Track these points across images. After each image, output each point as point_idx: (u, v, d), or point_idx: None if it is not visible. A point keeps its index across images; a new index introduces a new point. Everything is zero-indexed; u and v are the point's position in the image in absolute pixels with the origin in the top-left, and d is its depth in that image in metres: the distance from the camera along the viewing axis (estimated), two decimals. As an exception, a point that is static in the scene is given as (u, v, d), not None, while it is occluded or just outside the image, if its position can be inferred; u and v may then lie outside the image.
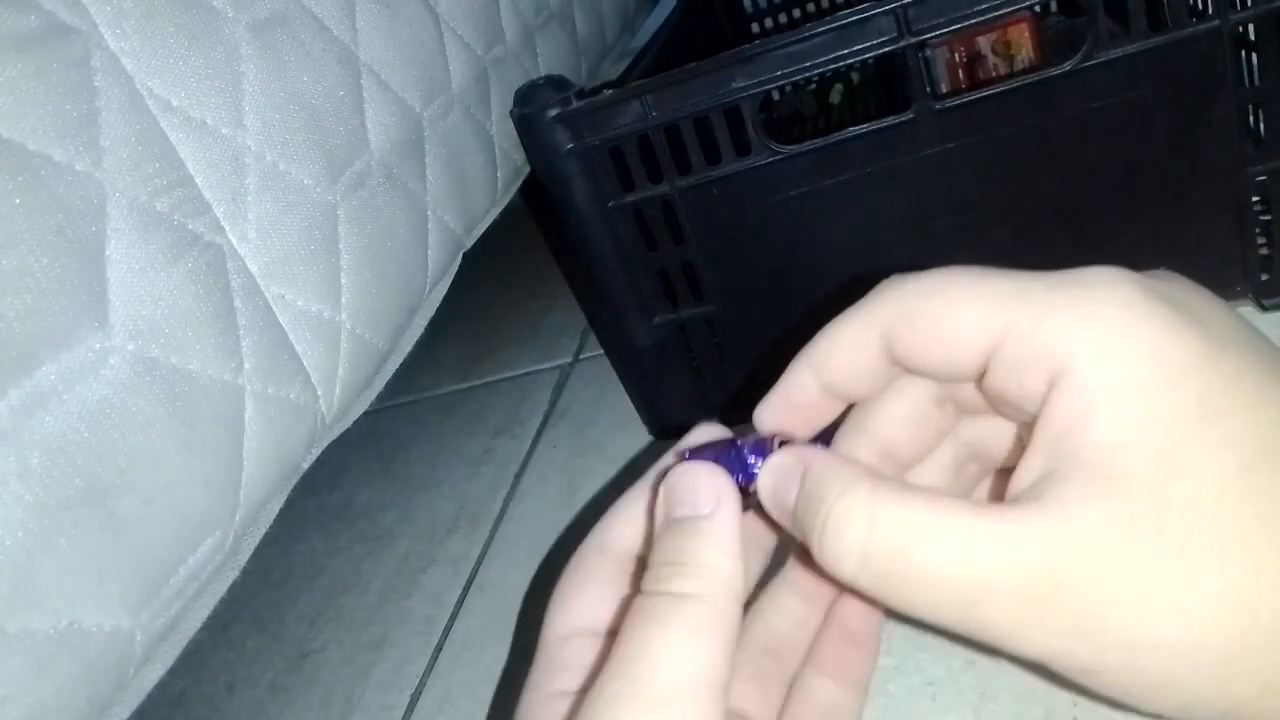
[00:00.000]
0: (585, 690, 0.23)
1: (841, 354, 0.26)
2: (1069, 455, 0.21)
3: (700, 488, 0.25)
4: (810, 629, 0.29)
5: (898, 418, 0.27)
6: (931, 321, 0.24)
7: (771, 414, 0.27)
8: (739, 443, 0.27)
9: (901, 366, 0.26)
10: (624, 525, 0.27)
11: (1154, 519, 0.20)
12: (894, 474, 0.28)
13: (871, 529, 0.22)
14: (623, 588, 0.26)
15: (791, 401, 0.27)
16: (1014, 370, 0.22)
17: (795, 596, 0.29)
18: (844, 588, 0.26)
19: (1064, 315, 0.22)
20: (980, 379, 0.24)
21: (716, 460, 0.26)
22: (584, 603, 0.26)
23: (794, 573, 0.29)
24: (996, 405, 0.25)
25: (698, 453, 0.27)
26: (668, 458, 0.28)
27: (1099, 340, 0.21)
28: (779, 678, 0.28)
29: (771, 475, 0.25)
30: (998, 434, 0.27)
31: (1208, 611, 0.19)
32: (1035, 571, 0.20)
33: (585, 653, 0.25)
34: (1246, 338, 0.22)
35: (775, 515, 0.25)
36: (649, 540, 0.27)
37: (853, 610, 0.28)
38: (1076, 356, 0.21)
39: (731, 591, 0.23)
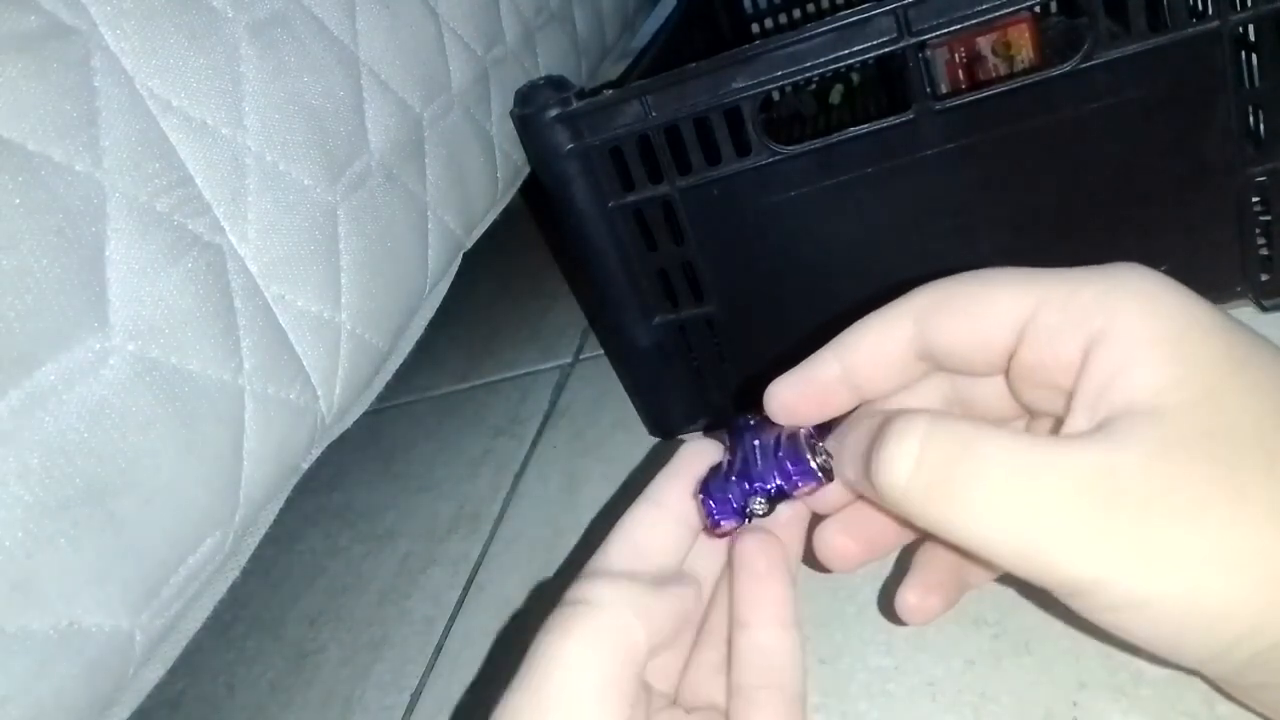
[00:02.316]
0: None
1: (871, 341, 0.27)
2: (1115, 402, 0.21)
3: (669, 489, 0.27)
4: (707, 569, 0.29)
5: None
6: (967, 300, 0.25)
7: (787, 392, 0.28)
8: (749, 483, 0.27)
9: (931, 360, 0.26)
10: (625, 543, 0.27)
11: (1205, 443, 0.20)
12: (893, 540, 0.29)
13: (932, 431, 0.22)
14: None
15: (810, 382, 0.27)
16: (1049, 339, 0.23)
17: (687, 538, 0.29)
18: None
19: (1097, 286, 0.23)
20: (1010, 362, 0.25)
21: (723, 492, 0.27)
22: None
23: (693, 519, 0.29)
24: (1024, 386, 0.25)
25: (705, 487, 0.28)
26: (675, 475, 0.29)
27: (1132, 303, 0.22)
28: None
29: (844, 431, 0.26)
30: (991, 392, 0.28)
31: (1259, 530, 0.20)
32: (1095, 484, 0.20)
33: None
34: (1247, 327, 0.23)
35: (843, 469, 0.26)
36: (648, 556, 0.27)
37: (749, 547, 0.28)
38: (1114, 316, 0.22)
39: (633, 601, 0.24)
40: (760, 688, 0.27)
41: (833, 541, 0.28)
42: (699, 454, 0.29)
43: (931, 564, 0.28)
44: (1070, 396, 0.23)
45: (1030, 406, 0.26)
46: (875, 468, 0.23)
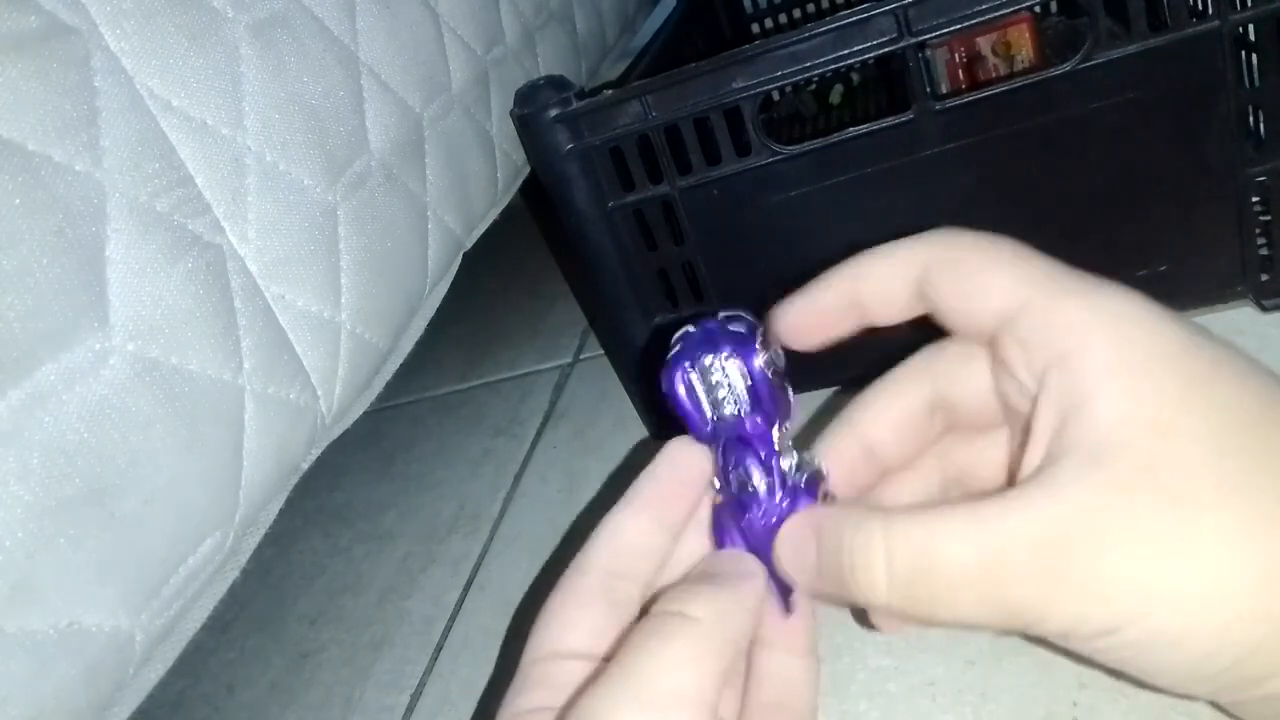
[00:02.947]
0: (567, 705, 0.24)
1: (880, 269, 0.28)
2: (1067, 439, 0.22)
3: (745, 563, 0.27)
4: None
5: (889, 420, 0.29)
6: (971, 270, 0.26)
7: (794, 314, 0.29)
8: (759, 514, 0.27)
9: (925, 304, 0.27)
10: (606, 546, 0.28)
11: (1150, 477, 0.21)
12: (875, 476, 0.30)
13: (890, 545, 0.23)
14: (602, 610, 0.26)
15: (816, 303, 0.28)
16: (1022, 342, 0.24)
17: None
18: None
19: (1077, 303, 0.24)
20: (990, 341, 0.26)
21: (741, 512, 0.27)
22: (559, 625, 0.26)
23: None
24: (998, 370, 0.26)
25: (722, 511, 0.28)
26: (656, 478, 0.29)
27: (1103, 328, 0.23)
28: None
29: (788, 544, 0.27)
30: (988, 458, 0.29)
31: (1209, 554, 0.20)
32: (1048, 540, 0.21)
33: (557, 673, 0.25)
34: (1224, 341, 0.24)
35: (800, 579, 0.27)
36: (629, 559, 0.27)
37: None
38: (1084, 338, 0.23)
39: (734, 629, 0.25)
40: (777, 706, 0.28)
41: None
42: (680, 454, 0.29)
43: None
44: (1029, 417, 0.24)
45: (1004, 396, 0.27)
46: (852, 590, 0.24)
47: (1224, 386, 0.22)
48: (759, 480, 0.27)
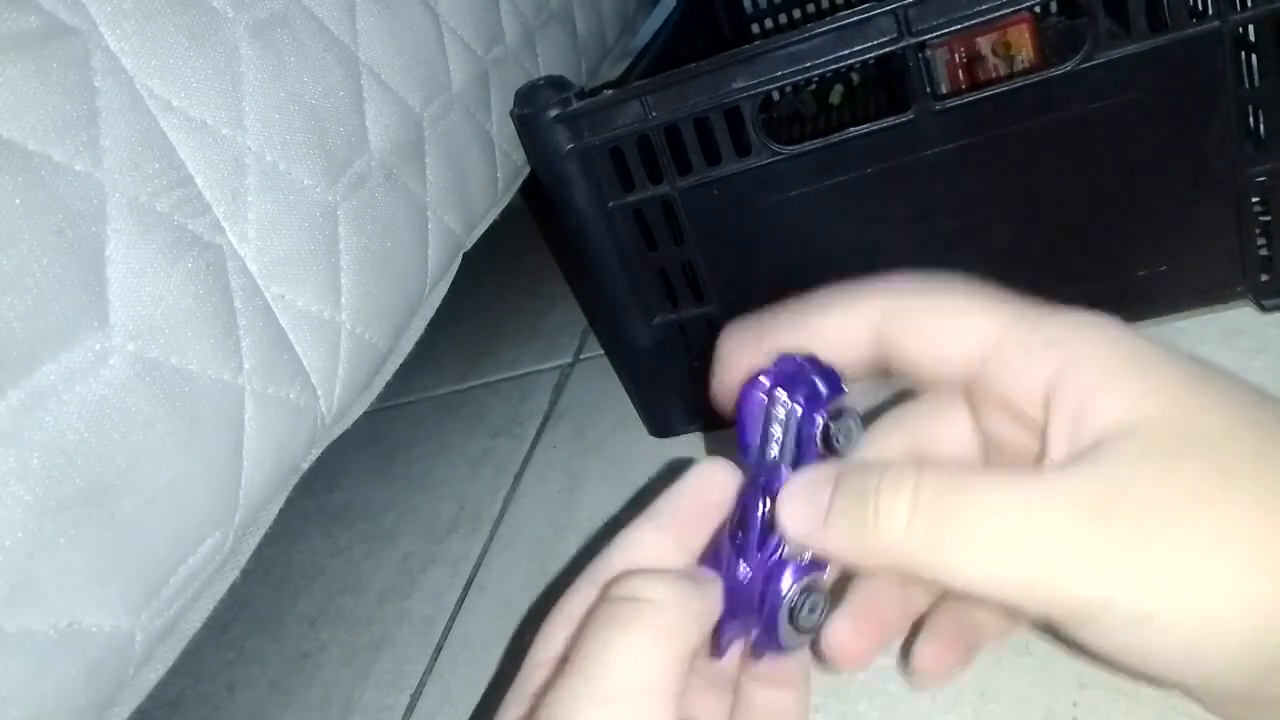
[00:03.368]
0: (531, 707, 0.23)
1: (834, 321, 0.27)
2: (1090, 428, 0.22)
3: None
4: None
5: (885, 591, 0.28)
6: (935, 314, 0.25)
7: (734, 356, 0.28)
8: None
9: (884, 362, 0.26)
10: (622, 559, 0.27)
11: (1184, 448, 0.21)
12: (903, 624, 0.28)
13: (921, 480, 0.22)
14: None
15: (757, 350, 0.27)
16: (1013, 372, 0.24)
17: None
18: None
19: (1056, 324, 0.23)
20: (971, 388, 0.25)
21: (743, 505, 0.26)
22: (562, 634, 0.26)
23: None
24: (987, 413, 0.26)
25: (721, 535, 0.27)
26: (683, 496, 0.28)
27: (1090, 339, 0.23)
28: (721, 682, 0.28)
29: (797, 495, 0.25)
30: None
31: (1257, 520, 0.20)
32: (1089, 503, 0.20)
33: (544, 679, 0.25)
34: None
35: (801, 528, 0.25)
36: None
37: None
38: (1075, 350, 0.23)
39: (692, 608, 0.24)
40: None
41: (837, 640, 0.27)
42: (712, 477, 0.28)
43: (942, 622, 0.28)
44: (1043, 431, 0.23)
45: (993, 436, 0.26)
46: (871, 523, 0.23)
47: (1221, 377, 0.22)
48: (754, 537, 0.26)
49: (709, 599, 0.25)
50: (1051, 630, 0.23)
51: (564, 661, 0.23)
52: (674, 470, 0.29)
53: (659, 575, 0.24)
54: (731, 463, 0.28)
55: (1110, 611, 0.20)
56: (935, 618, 0.29)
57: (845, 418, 0.26)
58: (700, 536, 0.28)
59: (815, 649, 0.27)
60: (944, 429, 0.27)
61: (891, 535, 0.23)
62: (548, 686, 0.23)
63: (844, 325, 0.27)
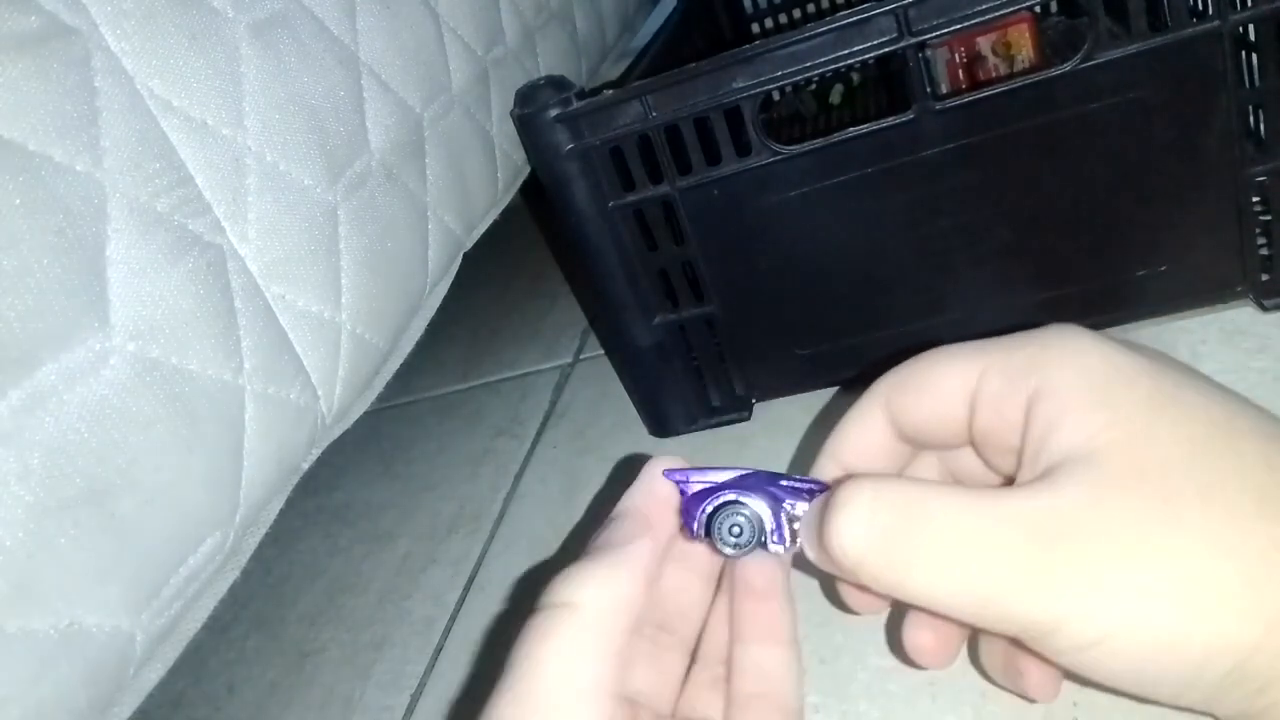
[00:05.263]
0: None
1: (855, 436, 0.29)
2: (1053, 452, 0.23)
3: (630, 528, 0.27)
4: (694, 594, 0.30)
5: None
6: (920, 381, 0.27)
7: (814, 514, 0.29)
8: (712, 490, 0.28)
9: (905, 436, 0.28)
10: None
11: (1138, 479, 0.21)
12: None
13: (879, 495, 0.23)
14: None
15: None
16: (994, 405, 0.25)
17: (674, 565, 0.29)
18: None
19: (1029, 349, 0.25)
20: (970, 432, 0.26)
21: (687, 502, 0.28)
22: None
23: (676, 548, 0.30)
24: (987, 451, 0.27)
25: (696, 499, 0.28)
26: (647, 492, 0.29)
27: (1060, 360, 0.24)
28: (673, 648, 0.29)
29: (807, 518, 0.27)
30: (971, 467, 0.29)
31: (1200, 550, 0.20)
32: (1038, 528, 0.21)
33: None
34: (1182, 364, 0.24)
35: (811, 550, 0.26)
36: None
37: (749, 566, 0.29)
38: (1046, 373, 0.23)
39: (617, 605, 0.24)
40: (755, 696, 0.27)
41: (915, 639, 0.28)
42: (655, 484, 0.29)
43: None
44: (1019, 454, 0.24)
45: (999, 471, 0.27)
46: (828, 536, 0.24)
47: (1190, 396, 0.23)
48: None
49: (633, 579, 0.25)
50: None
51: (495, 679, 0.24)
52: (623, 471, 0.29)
53: (580, 575, 0.25)
54: (673, 458, 0.29)
55: (1060, 633, 0.21)
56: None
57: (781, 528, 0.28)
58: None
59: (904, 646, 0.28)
60: (968, 460, 0.28)
61: (845, 551, 0.23)
62: (487, 702, 0.23)
63: (864, 431, 0.29)
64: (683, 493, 0.28)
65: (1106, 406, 0.22)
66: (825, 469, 0.29)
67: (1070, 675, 0.31)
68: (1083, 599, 0.21)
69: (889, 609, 0.30)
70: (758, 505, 0.27)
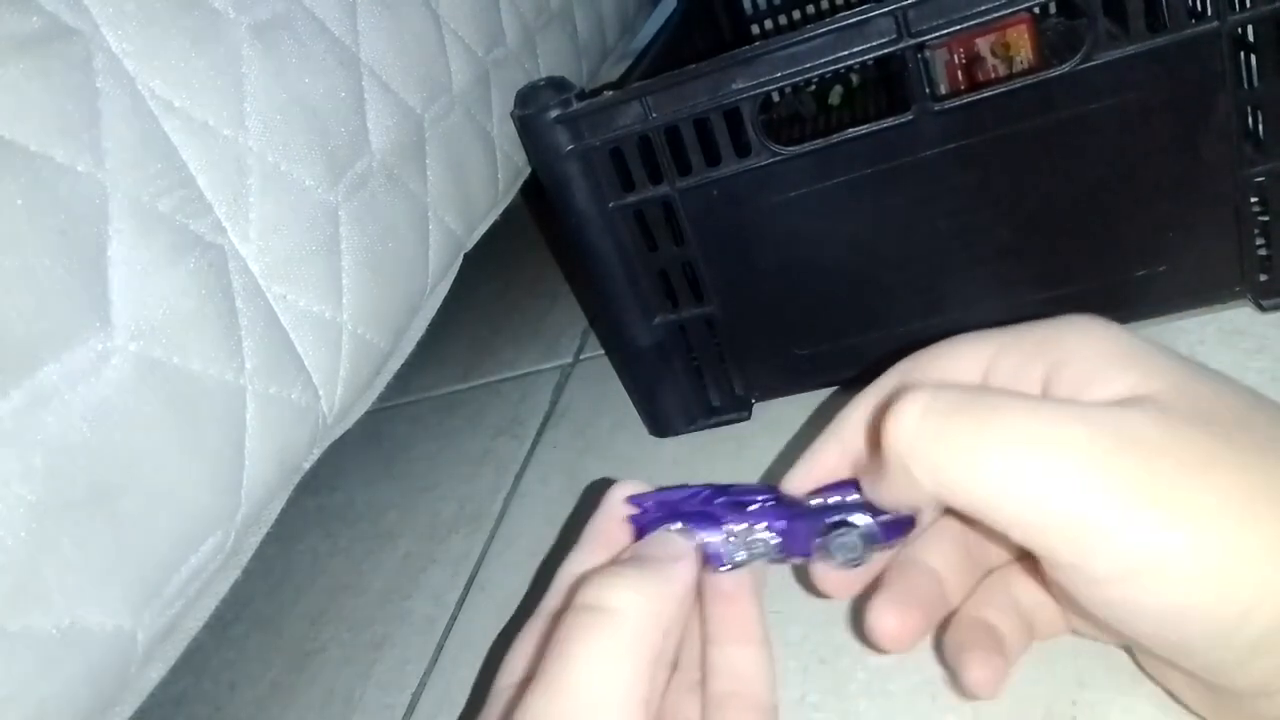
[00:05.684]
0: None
1: (861, 414, 0.28)
2: (1095, 398, 0.23)
3: (674, 546, 0.27)
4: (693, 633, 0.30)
5: (942, 552, 0.29)
6: (936, 359, 0.27)
7: (797, 479, 0.30)
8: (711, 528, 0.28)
9: None
10: (570, 584, 0.28)
11: (1197, 417, 0.21)
12: (940, 614, 0.29)
13: (938, 389, 0.23)
14: None
15: (816, 464, 0.29)
16: (1010, 379, 0.25)
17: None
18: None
19: (1047, 328, 0.25)
20: None
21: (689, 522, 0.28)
22: (526, 656, 0.26)
23: None
24: None
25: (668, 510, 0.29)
26: (610, 517, 0.30)
27: (1082, 334, 0.24)
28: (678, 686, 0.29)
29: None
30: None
31: (1263, 498, 0.20)
32: (1108, 433, 0.21)
33: (501, 704, 0.26)
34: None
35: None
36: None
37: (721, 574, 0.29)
38: (1067, 346, 0.24)
39: (657, 614, 0.24)
40: (730, 695, 0.27)
41: (880, 622, 0.28)
42: (618, 504, 0.30)
43: (906, 577, 0.29)
44: None
45: None
46: (886, 420, 0.23)
47: (1211, 373, 0.23)
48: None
49: (676, 597, 0.25)
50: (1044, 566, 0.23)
51: (527, 681, 0.23)
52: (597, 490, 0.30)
53: (622, 578, 0.24)
54: (636, 483, 0.30)
55: (1102, 553, 0.20)
56: (897, 569, 0.30)
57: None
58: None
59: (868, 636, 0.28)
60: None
61: (901, 429, 0.23)
62: (515, 704, 0.23)
63: (869, 409, 0.28)
64: (635, 521, 0.29)
65: (1135, 368, 0.22)
66: (827, 446, 0.29)
67: (1073, 675, 0.31)
68: (1142, 509, 0.20)
69: (859, 592, 0.30)
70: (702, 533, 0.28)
